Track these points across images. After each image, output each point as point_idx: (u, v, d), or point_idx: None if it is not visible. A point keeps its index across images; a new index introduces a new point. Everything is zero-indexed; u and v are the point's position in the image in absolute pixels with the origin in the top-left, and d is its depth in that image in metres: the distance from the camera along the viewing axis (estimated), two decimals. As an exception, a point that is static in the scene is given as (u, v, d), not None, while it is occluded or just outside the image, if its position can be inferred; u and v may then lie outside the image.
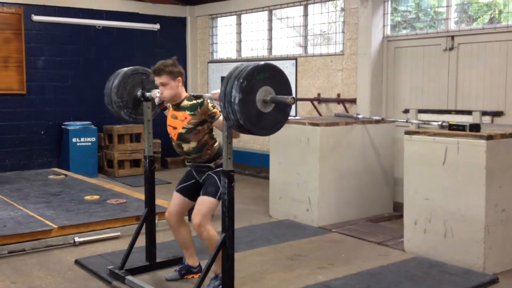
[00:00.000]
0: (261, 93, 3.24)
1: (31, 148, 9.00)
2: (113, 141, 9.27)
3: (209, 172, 3.99)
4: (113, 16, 9.57)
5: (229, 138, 3.52)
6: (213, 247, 3.82)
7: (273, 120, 3.33)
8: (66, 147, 8.95)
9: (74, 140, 8.88)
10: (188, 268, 4.34)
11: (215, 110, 3.87)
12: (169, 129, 4.04)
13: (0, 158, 8.67)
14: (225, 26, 10.05)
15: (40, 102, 9.02)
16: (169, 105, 4.10)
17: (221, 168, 3.89)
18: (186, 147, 3.96)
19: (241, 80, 3.15)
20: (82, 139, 8.95)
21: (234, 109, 3.16)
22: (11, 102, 8.76)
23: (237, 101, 3.13)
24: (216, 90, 3.59)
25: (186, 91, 4.10)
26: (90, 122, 9.19)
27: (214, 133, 4.03)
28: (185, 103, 3.96)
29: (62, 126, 9.11)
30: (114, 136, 9.24)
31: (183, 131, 3.93)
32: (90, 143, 9.02)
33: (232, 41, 9.84)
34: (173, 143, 4.06)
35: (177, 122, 3.97)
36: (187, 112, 3.92)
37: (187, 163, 4.12)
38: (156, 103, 4.17)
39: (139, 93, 4.35)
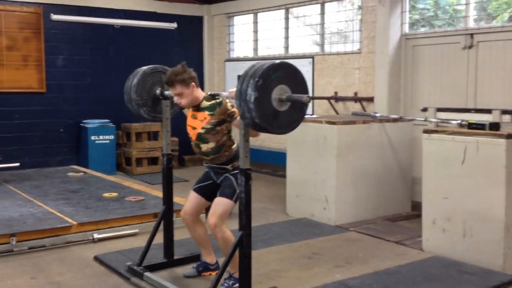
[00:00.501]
0: (277, 92, 3.24)
1: (51, 145, 9.11)
2: (131, 139, 9.34)
3: (227, 174, 4.00)
4: (131, 15, 9.64)
5: (246, 136, 3.53)
6: (226, 248, 3.84)
7: (289, 118, 3.33)
8: (85, 144, 9.05)
9: (92, 138, 8.97)
10: (206, 265, 4.36)
11: (234, 109, 3.87)
12: (189, 129, 4.06)
13: (20, 155, 8.78)
14: (241, 24, 10.06)
15: (59, 101, 9.12)
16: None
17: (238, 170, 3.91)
18: (204, 147, 3.97)
19: (257, 79, 3.15)
20: (101, 137, 9.03)
21: (250, 108, 3.16)
22: (31, 100, 8.87)
23: (252, 99, 3.14)
24: (233, 88, 3.60)
25: (203, 90, 4.10)
26: (108, 120, 9.27)
27: (232, 134, 4.04)
28: (204, 103, 3.97)
29: (81, 124, 9.20)
30: (132, 134, 9.31)
31: (202, 131, 3.94)
32: (108, 141, 9.11)
33: (249, 39, 9.85)
34: (191, 143, 4.08)
35: (197, 122, 3.98)
36: (207, 112, 3.93)
37: (204, 164, 4.14)
38: (175, 101, 4.19)
39: (158, 91, 4.38)
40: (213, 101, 3.94)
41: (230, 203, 3.90)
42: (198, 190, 4.17)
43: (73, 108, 9.24)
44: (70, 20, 9.07)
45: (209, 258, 4.36)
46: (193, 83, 3.94)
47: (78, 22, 9.16)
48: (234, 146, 4.02)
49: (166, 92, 4.32)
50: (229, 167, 3.98)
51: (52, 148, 9.12)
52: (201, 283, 4.22)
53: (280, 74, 3.24)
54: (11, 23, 8.58)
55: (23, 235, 5.06)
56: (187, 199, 4.22)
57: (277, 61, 3.27)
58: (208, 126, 3.91)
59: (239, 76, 3.29)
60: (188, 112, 4.12)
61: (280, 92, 3.25)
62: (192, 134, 4.02)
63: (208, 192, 4.13)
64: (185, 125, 4.09)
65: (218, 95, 3.96)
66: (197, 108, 4.00)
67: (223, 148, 3.96)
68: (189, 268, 4.42)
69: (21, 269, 4.59)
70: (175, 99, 4.08)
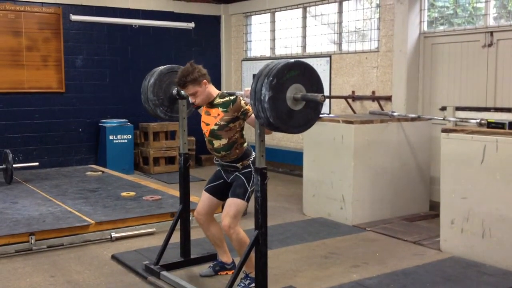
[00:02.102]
0: (292, 91, 3.23)
1: (70, 145, 9.21)
2: (148, 139, 9.40)
3: (237, 173, 4.00)
4: (149, 15, 9.70)
5: (262, 135, 3.53)
6: (241, 249, 3.85)
7: (304, 117, 3.31)
8: (103, 144, 9.13)
9: (111, 137, 9.04)
10: (222, 264, 4.37)
11: (247, 107, 3.88)
12: (202, 125, 4.08)
13: (40, 154, 8.90)
14: (259, 24, 10.06)
15: (78, 100, 9.21)
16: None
17: (249, 169, 3.92)
18: (216, 143, 3.98)
19: (271, 78, 3.14)
20: (119, 137, 9.10)
21: (264, 107, 3.15)
22: (50, 100, 8.97)
23: (267, 99, 3.13)
24: (248, 87, 3.60)
25: (220, 89, 4.12)
26: (126, 120, 9.34)
27: (244, 132, 4.05)
28: (218, 100, 3.99)
29: (99, 124, 9.28)
30: (150, 133, 9.37)
31: (215, 127, 3.96)
32: (126, 141, 9.17)
33: (266, 38, 9.85)
34: (205, 139, 4.10)
35: (210, 119, 4.00)
36: (220, 109, 3.94)
37: (215, 162, 4.15)
38: (191, 101, 4.21)
39: (174, 91, 4.40)
40: (226, 98, 3.95)
41: (242, 203, 3.91)
42: (209, 190, 4.18)
43: (91, 108, 9.32)
44: (89, 20, 9.16)
45: (225, 257, 4.36)
46: (204, 80, 3.94)
47: (97, 22, 9.24)
48: (245, 144, 4.03)
49: (183, 92, 4.34)
50: (238, 165, 3.99)
51: (71, 148, 9.22)
52: (217, 283, 4.23)
53: (294, 73, 3.23)
54: (31, 23, 8.69)
55: (42, 233, 5.12)
56: (200, 200, 4.23)
57: (292, 60, 3.26)
58: (222, 123, 3.92)
59: (255, 75, 3.29)
60: (202, 109, 4.13)
61: (294, 91, 3.24)
62: (206, 130, 4.04)
63: (219, 191, 4.14)
64: (201, 123, 4.10)
65: (233, 94, 3.97)
66: (211, 104, 4.01)
67: (234, 145, 3.96)
68: (205, 268, 4.43)
69: (40, 267, 4.65)
70: (190, 99, 4.10)
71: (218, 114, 3.94)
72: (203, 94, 3.96)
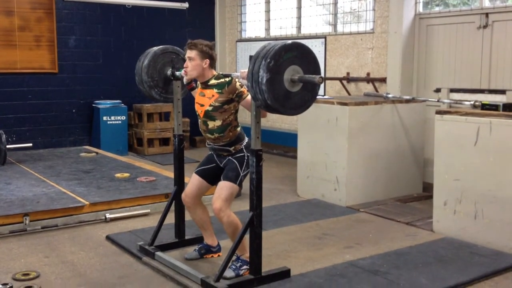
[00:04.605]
0: (289, 73, 3.22)
1: (63, 126, 9.17)
2: (142, 120, 9.37)
3: (230, 157, 4.00)
4: (143, -6, 9.61)
5: (258, 117, 3.52)
6: (233, 232, 3.85)
7: (301, 99, 3.31)
8: (97, 125, 9.09)
9: (104, 118, 9.01)
10: (208, 247, 4.36)
11: (242, 89, 3.86)
12: (197, 106, 4.06)
13: (33, 135, 8.86)
14: (253, 4, 9.97)
15: (72, 81, 9.15)
16: (198, 83, 4.11)
17: (242, 154, 3.92)
18: (211, 124, 3.97)
19: (269, 60, 3.13)
20: (113, 118, 9.07)
21: (262, 89, 3.15)
22: (43, 80, 8.91)
23: (264, 80, 3.13)
24: (244, 69, 3.58)
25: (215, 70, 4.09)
26: (120, 101, 9.30)
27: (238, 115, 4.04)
28: (213, 81, 3.97)
29: (93, 105, 9.24)
30: (144, 114, 9.33)
31: (210, 108, 3.94)
32: (120, 122, 9.14)
33: (261, 19, 9.77)
34: (199, 121, 4.08)
35: (205, 100, 3.98)
36: (215, 90, 3.93)
37: (207, 145, 4.13)
38: (184, 82, 4.19)
39: (169, 72, 4.37)
40: (222, 80, 3.93)
41: (234, 187, 3.90)
42: (200, 173, 4.16)
43: (85, 88, 9.27)
44: (81, 0, 9.05)
45: (210, 240, 4.36)
46: (207, 60, 3.94)
47: (90, 2, 9.14)
48: (239, 128, 4.02)
49: (177, 73, 4.32)
50: (231, 149, 3.98)
51: (65, 129, 9.19)
52: (210, 264, 4.25)
53: (291, 54, 3.22)
54: (24, 3, 8.59)
55: (36, 214, 5.12)
56: (189, 182, 4.21)
57: (289, 41, 3.24)
58: (216, 104, 3.91)
59: (251, 57, 3.27)
60: (197, 90, 4.11)
61: (292, 73, 3.23)
62: (200, 111, 4.02)
63: (210, 175, 4.12)
64: (195, 104, 4.08)
65: (229, 75, 3.95)
66: (205, 85, 3.99)
67: (228, 127, 3.95)
68: (190, 251, 4.42)
69: (34, 248, 4.66)
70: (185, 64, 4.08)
71: (213, 95, 3.93)
72: (197, 67, 3.93)
